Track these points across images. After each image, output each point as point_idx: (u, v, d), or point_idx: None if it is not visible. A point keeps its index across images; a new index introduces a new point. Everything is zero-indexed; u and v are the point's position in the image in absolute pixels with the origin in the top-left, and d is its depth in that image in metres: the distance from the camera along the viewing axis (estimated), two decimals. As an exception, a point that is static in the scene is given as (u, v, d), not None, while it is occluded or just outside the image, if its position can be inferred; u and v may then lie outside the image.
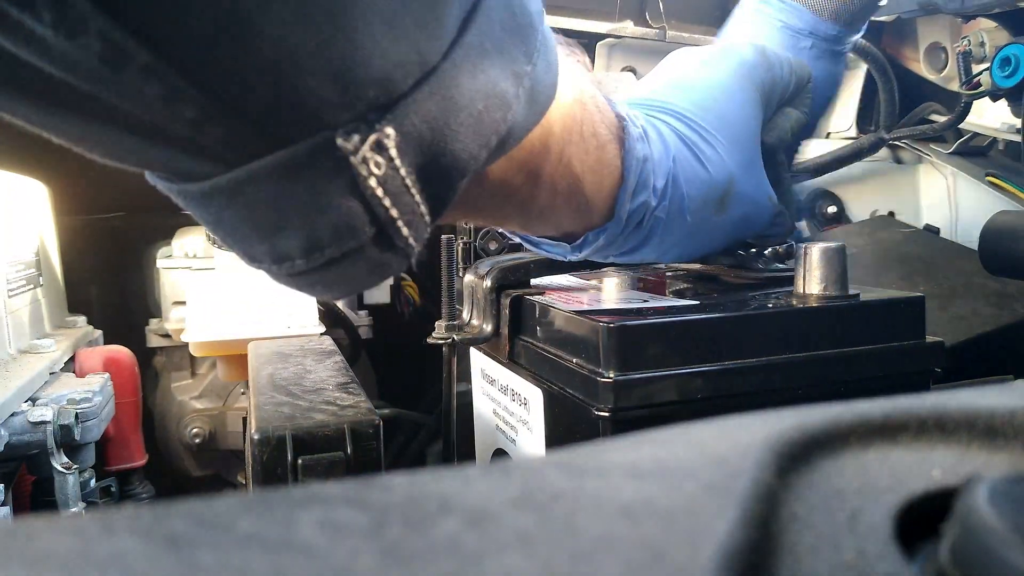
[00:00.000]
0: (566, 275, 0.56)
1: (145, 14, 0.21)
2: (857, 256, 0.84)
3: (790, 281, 0.48)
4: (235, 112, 0.23)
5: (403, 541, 0.12)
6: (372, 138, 0.25)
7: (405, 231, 0.27)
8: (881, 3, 0.64)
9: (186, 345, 0.77)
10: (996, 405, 0.18)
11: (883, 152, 1.17)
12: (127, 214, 1.01)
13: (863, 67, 1.15)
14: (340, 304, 0.97)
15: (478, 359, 0.58)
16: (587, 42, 1.08)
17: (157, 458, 0.90)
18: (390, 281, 1.04)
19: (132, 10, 0.21)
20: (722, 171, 0.45)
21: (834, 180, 1.15)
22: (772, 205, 0.49)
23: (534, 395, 0.47)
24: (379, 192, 0.25)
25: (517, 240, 0.50)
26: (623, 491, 0.14)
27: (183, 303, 0.85)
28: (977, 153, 1.13)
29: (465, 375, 0.60)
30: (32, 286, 0.76)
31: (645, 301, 0.46)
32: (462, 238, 0.60)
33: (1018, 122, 0.92)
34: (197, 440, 0.91)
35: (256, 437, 0.37)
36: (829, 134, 1.19)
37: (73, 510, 0.62)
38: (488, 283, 0.50)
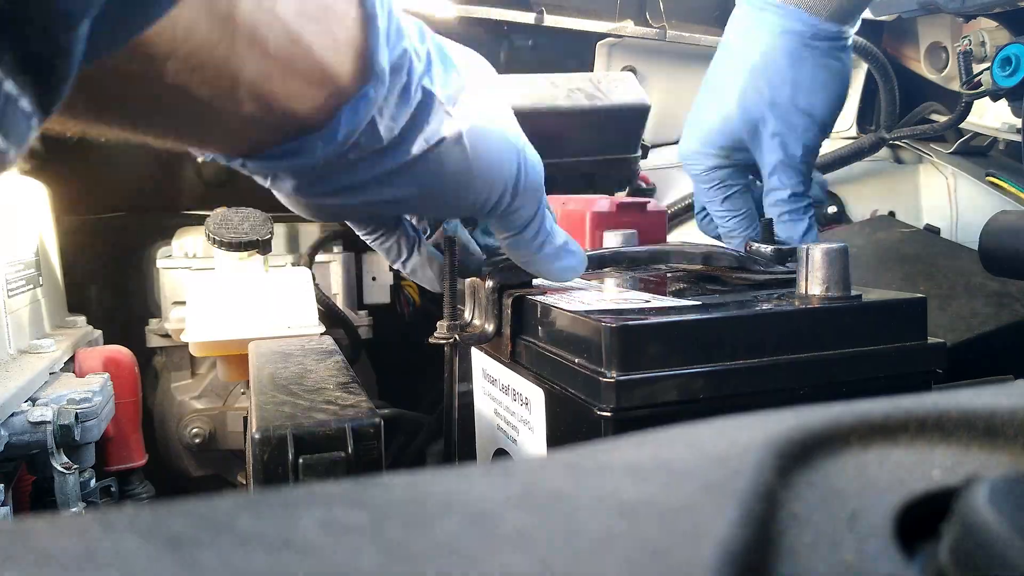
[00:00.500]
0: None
1: None
2: (857, 256, 0.84)
3: (792, 282, 0.48)
4: None
5: (403, 541, 0.12)
6: None
7: None
8: None
9: (186, 345, 0.77)
10: (996, 405, 0.18)
11: (883, 152, 1.17)
12: (127, 214, 1.01)
13: (863, 67, 1.15)
14: (340, 304, 0.97)
15: (479, 359, 0.58)
16: (587, 42, 1.08)
17: (157, 458, 0.90)
18: (390, 281, 1.04)
19: None
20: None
21: (834, 180, 1.15)
22: (516, 150, 0.41)
23: (535, 395, 0.47)
24: None
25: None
26: (624, 490, 0.14)
27: (183, 303, 0.85)
28: (977, 153, 1.13)
29: (466, 375, 0.60)
30: (32, 286, 0.76)
31: (647, 301, 0.46)
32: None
33: (1018, 122, 0.92)
34: (197, 440, 0.91)
35: (257, 436, 0.37)
36: (829, 134, 1.19)
37: (73, 510, 0.62)
38: (490, 283, 0.50)
